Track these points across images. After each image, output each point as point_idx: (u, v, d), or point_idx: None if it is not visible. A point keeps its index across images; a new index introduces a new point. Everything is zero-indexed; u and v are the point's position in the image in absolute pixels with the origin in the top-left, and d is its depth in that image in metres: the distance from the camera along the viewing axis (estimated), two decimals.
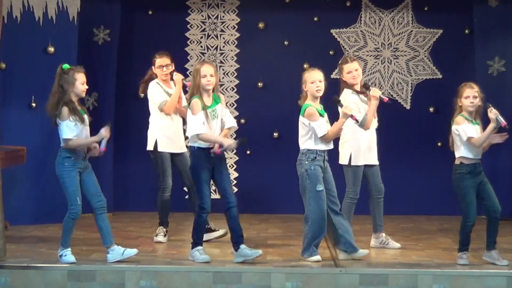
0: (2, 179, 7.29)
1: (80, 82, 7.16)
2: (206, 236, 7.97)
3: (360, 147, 8.02)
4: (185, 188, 8.83)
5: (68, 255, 7.16)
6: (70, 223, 7.18)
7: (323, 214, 7.39)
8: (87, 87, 7.22)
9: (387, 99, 7.92)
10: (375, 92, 7.92)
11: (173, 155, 8.50)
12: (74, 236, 8.62)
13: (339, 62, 8.33)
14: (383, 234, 8.24)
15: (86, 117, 7.21)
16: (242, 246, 7.37)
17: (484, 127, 7.35)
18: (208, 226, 8.34)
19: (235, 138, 7.61)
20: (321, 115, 7.45)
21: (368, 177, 8.15)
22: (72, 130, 7.07)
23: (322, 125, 7.40)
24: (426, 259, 7.63)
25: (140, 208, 8.98)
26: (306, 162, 7.43)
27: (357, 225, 8.72)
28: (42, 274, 7.00)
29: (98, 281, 6.98)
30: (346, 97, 7.98)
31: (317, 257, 7.41)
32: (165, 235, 8.52)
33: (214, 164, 7.40)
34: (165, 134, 8.46)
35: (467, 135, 7.28)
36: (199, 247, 7.39)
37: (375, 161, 8.15)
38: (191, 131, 7.33)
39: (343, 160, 8.08)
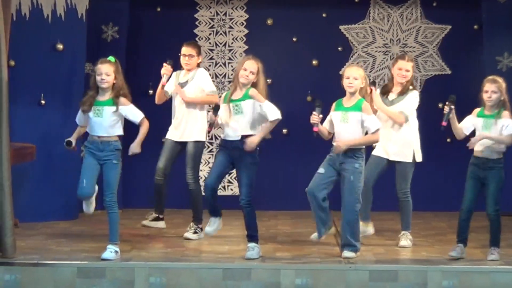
0: (12, 176, 7.30)
1: (97, 74, 7.27)
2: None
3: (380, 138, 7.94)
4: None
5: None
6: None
7: (309, 191, 7.38)
8: (104, 78, 7.23)
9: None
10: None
11: (179, 143, 8.50)
12: (82, 233, 8.69)
13: (397, 56, 8.21)
14: (402, 232, 8.09)
15: (103, 108, 7.28)
16: (248, 245, 7.38)
17: None
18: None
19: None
20: (337, 110, 7.40)
21: None
22: (78, 116, 7.46)
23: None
24: (436, 255, 7.62)
25: (149, 205, 8.95)
26: None
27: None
28: (52, 271, 7.00)
29: (108, 278, 6.98)
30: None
31: (314, 234, 7.54)
32: (153, 220, 8.58)
33: (234, 160, 7.40)
34: (173, 122, 8.53)
35: None
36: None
37: (393, 158, 7.97)
38: None
39: None
